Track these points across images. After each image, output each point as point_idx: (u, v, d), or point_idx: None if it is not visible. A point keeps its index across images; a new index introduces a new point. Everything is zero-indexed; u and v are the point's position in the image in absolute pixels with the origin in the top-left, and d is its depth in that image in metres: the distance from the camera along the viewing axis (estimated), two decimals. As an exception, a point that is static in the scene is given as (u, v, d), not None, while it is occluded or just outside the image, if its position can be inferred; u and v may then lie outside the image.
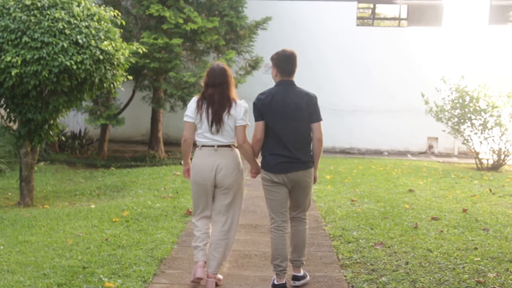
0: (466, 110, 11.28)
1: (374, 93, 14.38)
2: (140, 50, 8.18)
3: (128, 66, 7.73)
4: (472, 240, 5.43)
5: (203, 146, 4.15)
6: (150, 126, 12.87)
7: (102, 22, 7.24)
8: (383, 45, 14.33)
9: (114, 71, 7.32)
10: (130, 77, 8.22)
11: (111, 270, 4.35)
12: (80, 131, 13.33)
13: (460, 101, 11.38)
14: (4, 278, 4.16)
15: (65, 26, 6.66)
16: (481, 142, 11.47)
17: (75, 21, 6.81)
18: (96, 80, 7.05)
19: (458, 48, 13.86)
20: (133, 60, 8.02)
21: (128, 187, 8.57)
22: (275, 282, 4.11)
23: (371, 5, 15.51)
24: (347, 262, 4.79)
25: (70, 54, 6.64)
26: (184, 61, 12.06)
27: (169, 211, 6.55)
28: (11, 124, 7.52)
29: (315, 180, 4.25)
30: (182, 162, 4.46)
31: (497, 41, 13.67)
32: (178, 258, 4.84)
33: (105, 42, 6.97)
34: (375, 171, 10.36)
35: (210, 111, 4.06)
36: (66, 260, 4.58)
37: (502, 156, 11.40)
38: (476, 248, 5.12)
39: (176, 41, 11.00)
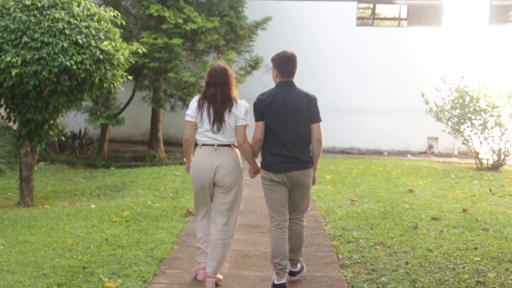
0: (466, 110, 11.29)
1: (374, 93, 14.38)
2: (140, 50, 8.19)
3: (128, 66, 7.73)
4: (472, 240, 5.43)
5: (203, 145, 4.18)
6: (150, 126, 12.88)
7: (102, 22, 7.24)
8: (383, 45, 14.33)
9: (114, 71, 7.32)
10: (130, 77, 8.22)
11: (111, 270, 4.35)
12: (80, 131, 13.33)
13: (460, 101, 11.38)
14: (4, 278, 4.16)
15: (65, 26, 6.66)
16: (481, 142, 11.47)
17: (75, 21, 6.81)
18: (96, 80, 7.05)
19: (458, 48, 13.86)
20: (132, 60, 8.02)
21: (128, 187, 8.57)
22: (275, 282, 4.12)
23: (371, 5, 15.51)
24: (347, 262, 4.79)
25: (70, 54, 6.64)
26: (184, 61, 12.06)
27: (169, 211, 6.55)
28: (11, 124, 7.52)
29: (314, 181, 4.29)
30: (185, 159, 4.50)
31: (497, 41, 13.67)
32: (178, 258, 4.84)
33: (105, 42, 6.97)
34: (375, 171, 10.36)
35: (211, 110, 4.09)
36: (66, 260, 4.58)
37: (502, 156, 11.40)
38: (476, 248, 5.12)
39: (176, 41, 11.00)
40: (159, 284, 4.22)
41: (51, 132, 7.58)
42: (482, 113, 11.18)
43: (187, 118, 4.21)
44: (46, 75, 6.57)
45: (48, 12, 6.70)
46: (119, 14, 7.80)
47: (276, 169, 4.10)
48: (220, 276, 4.28)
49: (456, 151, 14.39)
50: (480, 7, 14.09)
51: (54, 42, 6.56)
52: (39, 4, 6.72)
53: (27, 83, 6.66)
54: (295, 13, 14.35)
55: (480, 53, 13.46)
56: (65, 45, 6.60)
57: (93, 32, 6.95)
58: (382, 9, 16.41)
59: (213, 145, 4.13)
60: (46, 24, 6.58)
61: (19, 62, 6.42)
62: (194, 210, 4.47)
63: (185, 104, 11.92)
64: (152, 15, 11.23)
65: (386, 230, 5.77)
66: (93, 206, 6.93)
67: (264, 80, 12.80)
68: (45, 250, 4.89)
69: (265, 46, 12.86)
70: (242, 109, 4.12)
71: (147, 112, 13.11)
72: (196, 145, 4.27)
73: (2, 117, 7.63)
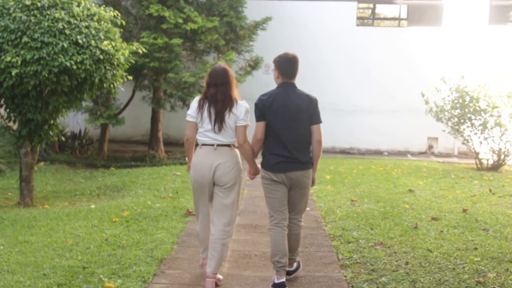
0: (466, 110, 11.29)
1: (374, 93, 14.38)
2: (140, 50, 8.18)
3: (128, 66, 7.73)
4: (472, 240, 5.43)
5: (203, 144, 4.20)
6: (150, 126, 12.87)
7: (102, 22, 7.24)
8: (383, 45, 14.33)
9: (114, 71, 7.32)
10: (130, 77, 8.22)
11: (111, 270, 4.35)
12: (80, 131, 13.33)
13: (460, 101, 11.38)
14: (4, 278, 4.16)
15: (65, 26, 6.66)
16: (481, 142, 11.47)
17: (75, 21, 6.81)
18: (96, 80, 7.05)
19: (458, 48, 13.87)
20: (132, 60, 8.02)
21: (128, 187, 8.57)
22: (275, 281, 4.14)
23: (371, 5, 15.50)
24: (347, 262, 4.79)
25: (70, 54, 6.64)
26: (184, 61, 12.06)
27: (169, 211, 6.55)
28: (11, 124, 7.52)
29: (313, 182, 4.33)
30: (186, 159, 4.53)
31: (497, 41, 13.68)
32: (178, 258, 4.84)
33: (105, 42, 6.97)
34: (375, 171, 10.36)
35: (212, 110, 4.11)
36: (66, 260, 4.58)
37: (502, 156, 11.40)
38: (476, 248, 5.12)
39: (176, 41, 11.00)
40: (159, 284, 4.22)
41: (51, 132, 7.58)
42: (482, 113, 11.18)
43: (187, 118, 4.24)
44: (46, 75, 6.57)
45: (48, 12, 6.69)
46: (119, 14, 7.80)
47: (276, 168, 4.14)
48: (220, 276, 4.29)
49: (456, 151, 14.39)
50: (480, 7, 14.09)
51: (54, 42, 6.56)
52: (39, 4, 6.72)
53: (27, 83, 6.66)
54: (295, 13, 14.35)
55: (480, 53, 13.46)
56: (65, 45, 6.60)
57: (93, 32, 6.95)
58: (382, 9, 16.41)
59: (213, 145, 4.14)
60: (46, 24, 6.58)
61: (19, 62, 6.41)
62: (194, 210, 4.48)
63: (185, 104, 11.93)
64: (152, 15, 11.23)
65: (386, 230, 5.77)
66: (93, 206, 6.92)
67: (264, 80, 12.82)
68: (45, 250, 4.89)
69: (265, 46, 12.86)
70: (242, 110, 4.14)
71: (147, 112, 13.11)
72: (197, 144, 4.30)
73: (2, 117, 7.63)
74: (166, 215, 6.33)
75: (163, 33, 11.28)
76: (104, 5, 8.67)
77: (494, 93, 11.07)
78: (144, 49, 8.50)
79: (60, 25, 6.62)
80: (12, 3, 6.71)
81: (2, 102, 7.29)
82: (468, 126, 11.49)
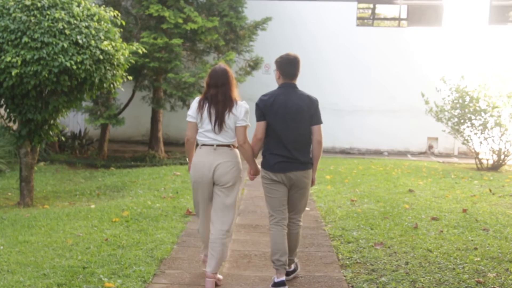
0: (466, 110, 11.28)
1: (374, 93, 14.38)
2: (140, 50, 8.18)
3: (128, 66, 7.73)
4: (472, 240, 5.43)
5: (203, 145, 4.21)
6: (150, 126, 12.87)
7: (102, 22, 7.24)
8: (383, 45, 14.33)
9: (114, 71, 7.32)
10: (130, 77, 8.22)
11: (111, 270, 4.36)
12: (80, 131, 13.33)
13: (460, 101, 11.39)
14: (4, 278, 4.16)
15: (65, 26, 6.66)
16: (481, 142, 11.47)
17: (75, 21, 6.81)
18: (96, 80, 7.05)
19: (458, 48, 13.86)
20: (132, 60, 8.03)
21: (128, 187, 8.58)
22: (275, 280, 4.15)
23: (371, 5, 15.50)
24: (347, 262, 4.79)
25: (70, 54, 6.64)
26: (184, 61, 12.06)
27: (169, 211, 6.55)
28: (11, 124, 7.52)
29: (313, 183, 4.34)
30: (187, 159, 4.54)
31: (497, 41, 13.67)
32: (178, 258, 4.84)
33: (105, 42, 6.97)
34: (375, 171, 10.36)
35: (212, 110, 4.12)
36: (66, 260, 4.58)
37: (502, 156, 11.40)
38: (476, 248, 5.12)
39: (176, 41, 11.00)
40: (159, 284, 4.23)
41: (51, 132, 7.58)
42: (482, 113, 11.18)
43: (188, 118, 4.26)
44: (46, 75, 6.57)
45: (48, 12, 6.70)
46: (119, 14, 7.80)
47: (276, 168, 4.16)
48: (220, 276, 4.29)
49: (456, 151, 14.39)
50: (480, 7, 14.09)
51: (54, 42, 6.56)
52: (39, 4, 6.72)
53: (27, 83, 6.67)
54: (295, 13, 14.35)
55: (480, 53, 13.46)
56: (65, 45, 6.60)
57: (93, 32, 6.95)
58: (382, 9, 16.41)
59: (213, 145, 4.15)
60: (46, 24, 6.58)
61: (19, 62, 6.42)
62: (194, 210, 4.48)
63: (185, 104, 11.93)
64: (152, 15, 11.23)
65: (386, 230, 5.77)
66: (93, 206, 6.93)
67: (264, 80, 12.82)
68: (45, 250, 4.89)
69: (265, 46, 12.87)
70: (242, 110, 4.15)
71: (147, 112, 13.11)
72: (197, 145, 4.31)
73: (2, 117, 7.63)
74: (166, 215, 6.33)
75: (163, 33, 11.28)
76: (104, 5, 8.66)
77: (494, 93, 11.07)
78: (144, 49, 8.51)
79: (60, 25, 6.62)
80: (12, 3, 6.71)
81: (2, 102, 7.29)
82: (468, 126, 11.49)
